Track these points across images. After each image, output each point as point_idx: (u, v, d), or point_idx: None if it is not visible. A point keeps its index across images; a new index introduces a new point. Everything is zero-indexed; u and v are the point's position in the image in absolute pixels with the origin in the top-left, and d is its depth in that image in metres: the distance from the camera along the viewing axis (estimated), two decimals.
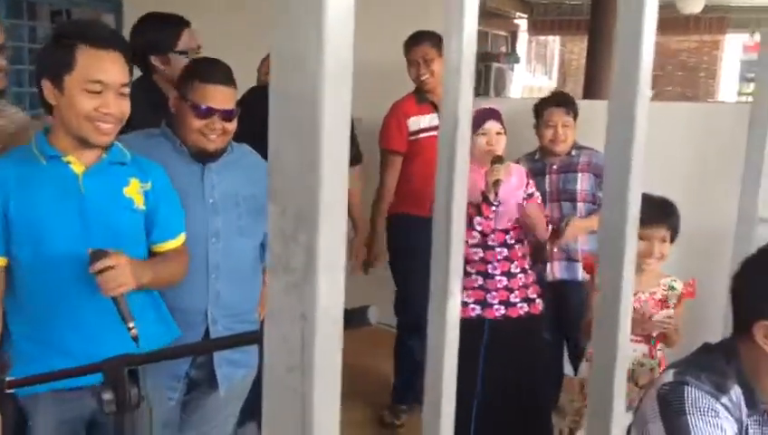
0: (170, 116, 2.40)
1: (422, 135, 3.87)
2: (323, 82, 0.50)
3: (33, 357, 2.00)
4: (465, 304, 3.05)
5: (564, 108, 3.65)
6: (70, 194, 2.01)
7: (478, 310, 3.12)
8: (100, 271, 1.90)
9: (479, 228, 3.09)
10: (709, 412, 1.58)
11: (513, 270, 3.15)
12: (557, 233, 3.50)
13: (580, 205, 3.63)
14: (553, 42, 17.60)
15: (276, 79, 0.52)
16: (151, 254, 2.19)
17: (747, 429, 1.63)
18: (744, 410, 1.62)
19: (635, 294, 2.77)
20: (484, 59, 9.27)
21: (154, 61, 2.92)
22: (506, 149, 3.18)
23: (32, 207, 1.97)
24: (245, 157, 2.47)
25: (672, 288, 2.88)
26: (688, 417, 1.57)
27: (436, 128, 3.76)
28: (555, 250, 3.65)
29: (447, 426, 0.70)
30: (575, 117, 3.66)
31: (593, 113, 3.64)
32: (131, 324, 1.91)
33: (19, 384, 1.82)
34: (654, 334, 2.83)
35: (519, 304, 3.16)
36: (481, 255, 3.13)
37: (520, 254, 3.18)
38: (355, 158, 3.83)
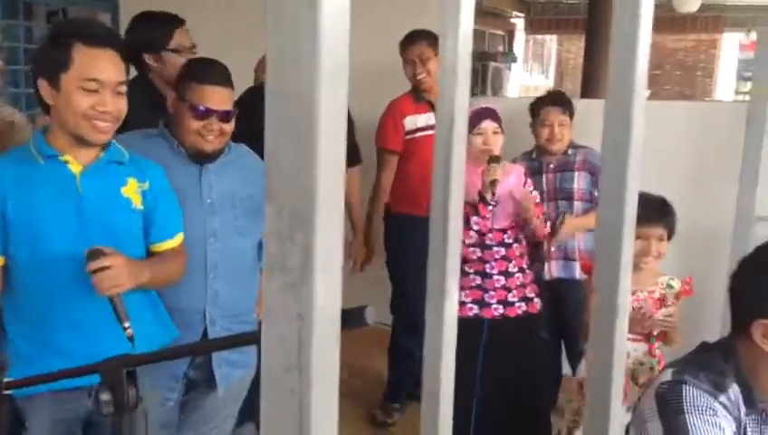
0: (168, 116, 2.40)
1: (419, 134, 3.87)
2: (319, 82, 0.49)
3: (31, 357, 1.99)
4: (462, 304, 3.05)
5: (561, 107, 3.65)
6: (67, 194, 2.01)
7: (476, 309, 3.11)
8: (96, 270, 1.90)
9: (476, 228, 3.08)
10: (707, 411, 1.58)
11: (510, 269, 3.15)
12: (553, 231, 3.50)
13: (577, 203, 3.64)
14: (550, 41, 17.60)
15: (272, 79, 0.52)
16: (149, 253, 2.19)
17: (746, 427, 1.63)
18: (743, 408, 1.62)
19: (633, 293, 2.78)
20: (482, 58, 9.27)
21: (147, 59, 2.94)
22: (504, 148, 3.18)
23: (29, 207, 1.97)
24: (243, 157, 2.47)
25: (670, 286, 2.88)
26: (687, 416, 1.57)
27: (432, 127, 3.76)
28: (553, 249, 3.65)
29: (446, 426, 0.70)
30: (571, 116, 3.67)
31: (590, 112, 3.65)
32: (127, 324, 1.91)
33: (17, 385, 1.81)
34: (655, 333, 2.83)
35: (517, 304, 3.16)
36: (479, 254, 3.13)
37: (517, 253, 3.18)
38: (355, 159, 3.83)
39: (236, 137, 2.43)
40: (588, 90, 7.71)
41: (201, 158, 2.36)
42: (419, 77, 3.83)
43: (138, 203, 2.12)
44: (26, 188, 1.98)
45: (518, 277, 3.17)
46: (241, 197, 2.41)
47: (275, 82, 0.51)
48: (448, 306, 0.68)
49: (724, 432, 1.57)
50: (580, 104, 3.87)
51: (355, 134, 3.69)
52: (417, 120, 3.87)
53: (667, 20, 12.78)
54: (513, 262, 3.16)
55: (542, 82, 16.39)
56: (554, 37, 17.26)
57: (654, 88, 14.71)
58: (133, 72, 2.82)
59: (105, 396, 1.42)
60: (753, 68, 3.62)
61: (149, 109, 2.59)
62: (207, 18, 4.44)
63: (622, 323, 0.68)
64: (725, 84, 16.44)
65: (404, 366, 4.04)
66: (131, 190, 2.11)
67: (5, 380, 1.79)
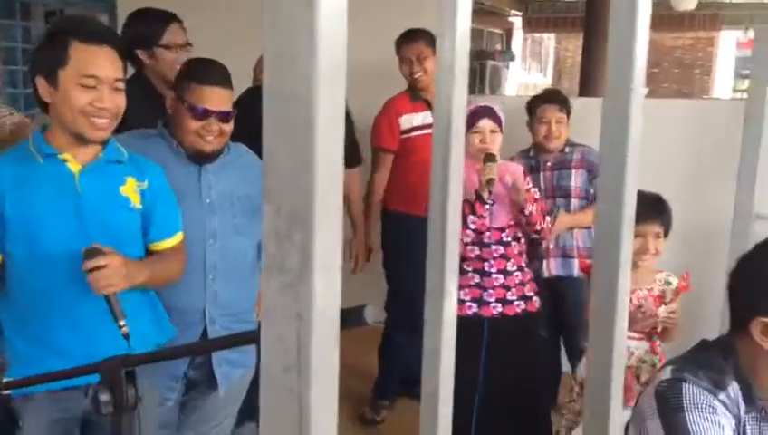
0: (165, 113, 2.40)
1: (415, 133, 3.86)
2: (317, 82, 0.49)
3: (29, 357, 1.99)
4: (461, 302, 3.05)
5: (557, 105, 3.66)
6: (66, 193, 2.00)
7: (475, 308, 3.11)
8: (92, 269, 1.90)
9: (473, 226, 3.08)
10: (707, 409, 1.58)
11: (509, 268, 3.15)
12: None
13: (574, 201, 3.64)
14: (548, 39, 17.62)
15: (270, 79, 0.52)
16: (148, 252, 2.19)
17: (745, 425, 1.63)
18: (742, 406, 1.62)
19: (632, 292, 2.78)
20: (480, 57, 9.27)
21: (141, 55, 2.95)
22: (502, 146, 3.18)
23: (28, 206, 1.97)
24: (242, 157, 2.47)
25: (668, 283, 2.89)
26: (686, 414, 1.57)
27: (429, 126, 3.76)
28: (551, 247, 3.65)
29: (445, 425, 0.70)
30: (568, 114, 3.68)
31: (588, 111, 3.64)
32: (122, 323, 1.91)
33: (17, 385, 1.81)
34: (658, 330, 2.84)
35: (516, 302, 3.15)
36: (477, 252, 3.13)
37: (516, 251, 3.18)
38: (355, 159, 3.83)
39: (235, 137, 2.43)
40: (586, 88, 7.72)
41: (200, 158, 2.35)
42: (416, 76, 3.82)
43: (136, 202, 2.11)
44: (25, 186, 1.98)
45: (517, 276, 3.17)
46: (239, 196, 2.40)
47: (273, 83, 0.51)
48: (447, 305, 0.68)
49: (724, 430, 1.57)
50: (577, 102, 3.87)
51: (355, 134, 3.69)
52: (413, 119, 3.86)
53: (664, 18, 12.80)
54: (512, 260, 3.16)
55: (541, 81, 16.41)
56: (552, 36, 17.27)
57: (652, 86, 14.73)
58: (131, 71, 2.83)
59: (104, 396, 1.42)
60: (751, 65, 3.61)
61: (147, 106, 2.59)
62: (206, 18, 4.43)
63: (622, 322, 0.68)
64: (723, 82, 16.47)
65: (394, 364, 4.05)
66: (130, 189, 2.11)
67: (5, 380, 1.79)
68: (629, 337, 2.83)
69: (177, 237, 2.23)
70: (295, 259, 0.52)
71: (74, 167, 2.02)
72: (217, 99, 2.30)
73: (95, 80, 1.94)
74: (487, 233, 3.11)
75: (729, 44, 16.41)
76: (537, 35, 16.75)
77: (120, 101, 2.01)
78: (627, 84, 0.64)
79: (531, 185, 3.23)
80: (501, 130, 3.15)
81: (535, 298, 3.22)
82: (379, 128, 3.92)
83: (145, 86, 2.94)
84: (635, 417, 1.73)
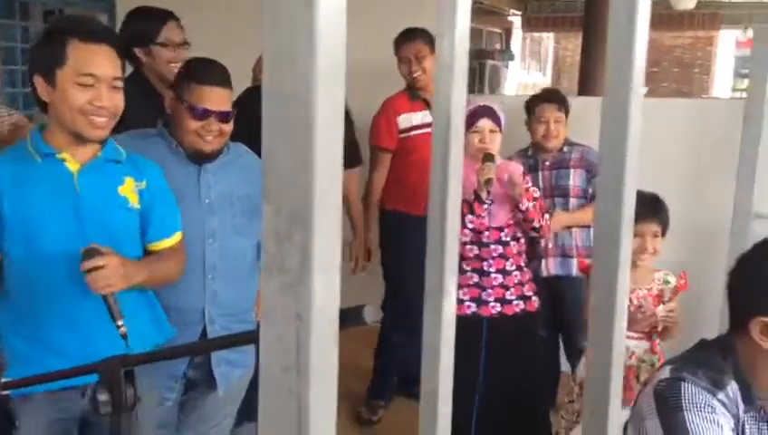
0: (164, 112, 2.40)
1: (414, 132, 3.85)
2: (316, 82, 0.49)
3: (27, 357, 1.99)
4: (460, 302, 3.05)
5: (556, 104, 3.66)
6: (65, 192, 2.00)
7: (474, 307, 3.11)
8: (90, 269, 1.90)
9: (471, 226, 3.08)
10: (706, 408, 1.58)
11: (508, 267, 3.15)
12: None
13: (572, 200, 3.65)
14: (548, 38, 17.62)
15: (269, 79, 0.52)
16: (147, 252, 2.19)
17: (744, 424, 1.63)
18: (741, 405, 1.62)
19: (631, 292, 2.79)
20: (479, 56, 9.28)
21: (138, 53, 2.95)
22: (501, 145, 3.18)
23: (26, 205, 1.97)
24: (242, 157, 2.47)
25: (667, 282, 2.90)
26: (685, 413, 1.57)
27: (428, 125, 3.76)
28: (550, 246, 3.65)
29: (444, 425, 0.70)
30: (567, 113, 3.68)
31: (588, 110, 3.64)
32: (120, 323, 1.90)
33: (15, 385, 1.81)
34: (659, 329, 2.84)
35: (515, 302, 3.15)
36: (476, 252, 3.13)
37: (515, 251, 3.17)
38: (355, 159, 3.83)
39: (235, 137, 2.43)
40: (585, 87, 7.72)
41: (200, 158, 2.35)
42: (415, 75, 3.82)
43: (134, 202, 2.11)
44: (23, 186, 1.98)
45: (516, 275, 3.17)
46: (239, 196, 2.40)
47: (272, 83, 0.51)
48: (446, 305, 0.68)
49: (723, 430, 1.57)
50: (577, 102, 3.87)
51: (355, 133, 3.69)
52: (411, 119, 3.86)
53: (664, 17, 12.81)
54: (511, 260, 3.16)
55: (540, 80, 16.41)
56: (551, 35, 17.27)
57: (651, 85, 14.74)
58: (130, 71, 2.83)
59: (103, 396, 1.42)
60: (750, 65, 3.62)
61: (145, 104, 2.59)
62: (206, 18, 4.43)
63: (621, 322, 0.68)
64: (722, 81, 16.47)
65: (390, 364, 4.04)
66: (128, 189, 2.11)
67: (3, 380, 1.79)
68: (629, 337, 2.83)
69: (176, 237, 2.23)
70: (295, 259, 0.52)
71: (73, 166, 2.02)
72: (217, 99, 2.29)
73: (93, 78, 1.94)
74: (486, 232, 3.11)
75: (728, 44, 16.42)
76: (536, 35, 16.75)
77: (118, 100, 2.00)
78: (626, 83, 0.64)
79: (530, 184, 3.24)
80: (500, 130, 3.15)
81: (534, 298, 3.22)
82: (377, 127, 3.92)
83: (143, 85, 2.94)
84: (634, 416, 1.73)
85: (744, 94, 4.43)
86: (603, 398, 0.68)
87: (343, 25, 0.50)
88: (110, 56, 1.99)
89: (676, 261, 3.14)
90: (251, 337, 1.63)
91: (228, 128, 2.35)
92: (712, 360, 1.66)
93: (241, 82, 3.07)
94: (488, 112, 3.13)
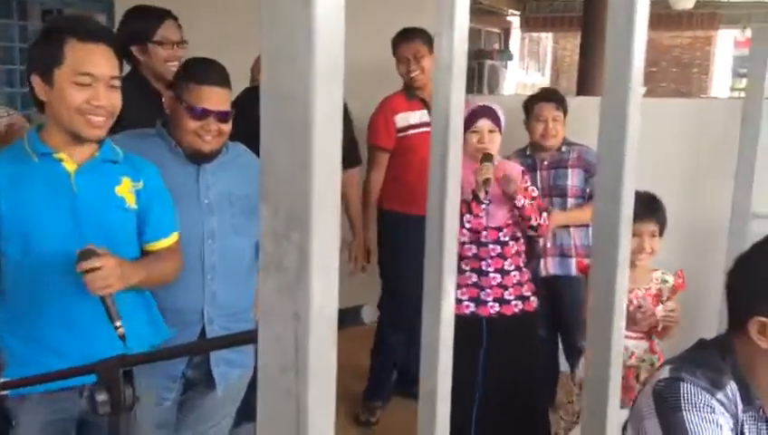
0: (162, 111, 2.40)
1: (411, 131, 3.84)
2: (314, 81, 0.49)
3: (25, 357, 1.98)
4: (459, 301, 3.05)
5: (554, 103, 3.66)
6: (62, 192, 2.00)
7: (472, 307, 3.11)
8: (87, 270, 1.89)
9: (468, 226, 3.08)
10: (705, 408, 1.58)
11: (506, 267, 3.15)
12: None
13: (570, 200, 3.65)
14: (546, 38, 17.63)
15: (267, 78, 0.51)
16: (144, 253, 2.18)
17: (743, 424, 1.63)
18: (740, 405, 1.62)
19: (630, 291, 2.79)
20: (478, 56, 9.29)
21: (135, 51, 2.95)
22: (500, 145, 3.17)
23: (23, 205, 1.96)
24: (240, 157, 2.47)
25: (665, 281, 2.90)
26: (684, 413, 1.57)
27: (426, 124, 3.76)
28: (548, 246, 3.65)
29: (443, 424, 0.70)
30: (565, 113, 3.68)
31: (586, 110, 3.65)
32: (118, 323, 1.90)
33: (14, 385, 1.81)
34: (659, 328, 2.84)
35: (513, 302, 3.15)
36: (474, 251, 3.12)
37: (514, 251, 3.17)
38: (354, 159, 3.82)
39: (234, 137, 2.42)
40: (584, 87, 7.72)
41: (199, 158, 2.35)
42: (413, 75, 3.81)
43: (132, 202, 2.11)
44: (20, 186, 1.97)
45: (514, 275, 3.16)
46: (238, 196, 2.40)
47: (270, 82, 0.51)
48: (445, 305, 0.68)
49: (722, 429, 1.57)
50: (575, 101, 3.87)
51: (354, 133, 3.69)
52: (409, 118, 3.85)
53: (662, 17, 12.82)
54: (510, 260, 3.15)
55: (539, 80, 16.42)
56: (550, 35, 17.28)
57: (650, 85, 14.74)
58: (127, 69, 2.83)
59: (101, 396, 1.42)
60: (749, 64, 3.62)
61: (143, 103, 2.59)
62: (205, 18, 4.43)
63: (620, 322, 0.68)
64: (721, 81, 16.49)
65: (387, 364, 4.04)
66: (125, 189, 2.10)
67: (1, 380, 1.79)
68: (629, 337, 2.83)
69: (173, 238, 2.23)
70: (293, 259, 0.52)
71: (70, 166, 2.01)
72: (216, 99, 2.29)
73: (91, 77, 1.94)
74: (484, 232, 3.11)
75: (727, 43, 16.44)
76: (535, 35, 16.76)
77: (115, 100, 2.00)
78: (625, 83, 0.64)
79: (529, 184, 3.24)
80: (500, 130, 3.14)
81: (533, 298, 3.22)
82: (374, 126, 3.91)
83: (141, 83, 2.94)
84: (633, 416, 1.73)
85: (743, 94, 4.43)
86: (602, 397, 0.68)
87: (342, 24, 0.50)
88: (108, 56, 1.98)
89: (674, 261, 3.15)
90: (250, 337, 1.62)
91: (227, 128, 2.34)
92: (711, 360, 1.66)
93: (239, 83, 3.07)
94: (488, 113, 3.13)
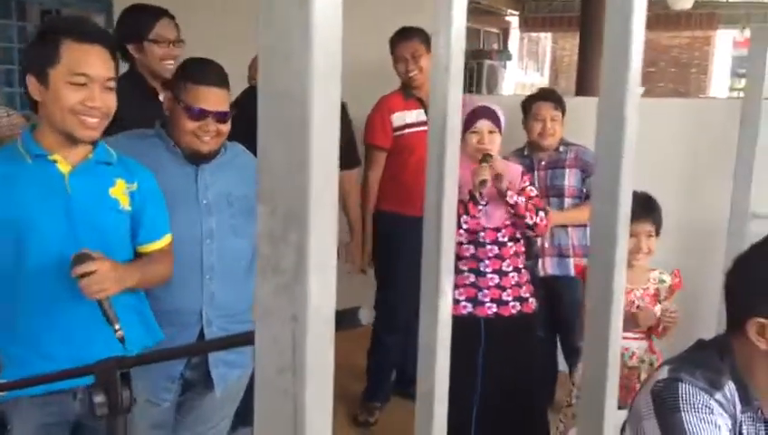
0: (159, 109, 2.39)
1: (407, 130, 3.84)
2: (312, 80, 0.49)
3: (20, 360, 1.97)
4: (456, 302, 3.04)
5: (552, 102, 3.67)
6: (56, 194, 1.99)
7: (470, 308, 3.11)
8: (82, 275, 1.89)
9: (465, 226, 3.08)
10: (703, 409, 1.58)
11: (504, 268, 3.14)
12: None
13: (568, 200, 3.65)
14: (545, 38, 17.64)
15: (264, 77, 0.51)
16: (137, 255, 2.18)
17: (741, 425, 1.63)
18: (738, 406, 1.62)
19: (628, 292, 2.79)
20: (477, 56, 9.29)
21: (131, 49, 2.95)
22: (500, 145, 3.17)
23: (16, 207, 1.95)
24: (239, 157, 2.47)
25: (662, 281, 2.91)
26: (683, 414, 1.57)
27: (423, 123, 3.76)
28: (546, 246, 3.65)
29: (440, 425, 0.70)
30: (563, 112, 3.69)
31: (585, 110, 3.65)
32: (117, 326, 1.89)
33: (10, 387, 1.80)
34: (660, 328, 2.85)
35: (511, 303, 3.14)
36: (472, 251, 3.12)
37: (512, 252, 3.17)
38: (353, 160, 3.82)
39: (234, 138, 2.42)
40: (582, 87, 7.73)
41: (197, 158, 2.35)
42: (411, 74, 3.81)
43: (125, 204, 2.10)
44: (14, 187, 1.95)
45: (512, 276, 3.16)
46: (236, 196, 2.40)
47: (267, 81, 0.51)
48: (443, 305, 0.68)
49: (720, 430, 1.57)
50: (574, 102, 3.87)
51: (353, 132, 3.69)
52: (405, 117, 3.84)
53: (661, 17, 12.83)
54: (508, 261, 3.15)
55: (537, 80, 16.42)
56: (549, 35, 17.29)
57: (648, 85, 14.77)
58: (125, 68, 2.83)
59: (99, 398, 1.41)
60: (747, 65, 3.62)
61: (140, 102, 2.59)
62: (203, 18, 4.43)
63: (617, 322, 0.68)
64: (720, 81, 16.51)
65: (384, 364, 4.04)
66: (119, 191, 2.09)
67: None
68: (630, 338, 2.83)
69: (166, 239, 2.23)
70: (290, 260, 0.52)
71: (64, 168, 2.00)
72: (214, 99, 2.29)
73: (86, 78, 1.93)
74: (482, 233, 3.11)
75: (725, 43, 16.45)
76: (534, 35, 16.77)
77: (110, 101, 1.99)
78: (622, 84, 0.64)
79: (528, 184, 3.23)
80: (500, 131, 3.14)
81: (532, 300, 3.21)
82: (371, 125, 3.90)
83: (138, 82, 2.94)
84: (631, 417, 1.73)
85: (742, 94, 4.43)
86: (599, 398, 0.68)
87: (339, 22, 0.50)
88: (104, 57, 1.98)
89: (673, 261, 3.15)
90: (248, 338, 1.62)
91: (226, 128, 2.34)
92: (709, 360, 1.66)
93: (238, 83, 3.07)
94: (487, 113, 3.12)
